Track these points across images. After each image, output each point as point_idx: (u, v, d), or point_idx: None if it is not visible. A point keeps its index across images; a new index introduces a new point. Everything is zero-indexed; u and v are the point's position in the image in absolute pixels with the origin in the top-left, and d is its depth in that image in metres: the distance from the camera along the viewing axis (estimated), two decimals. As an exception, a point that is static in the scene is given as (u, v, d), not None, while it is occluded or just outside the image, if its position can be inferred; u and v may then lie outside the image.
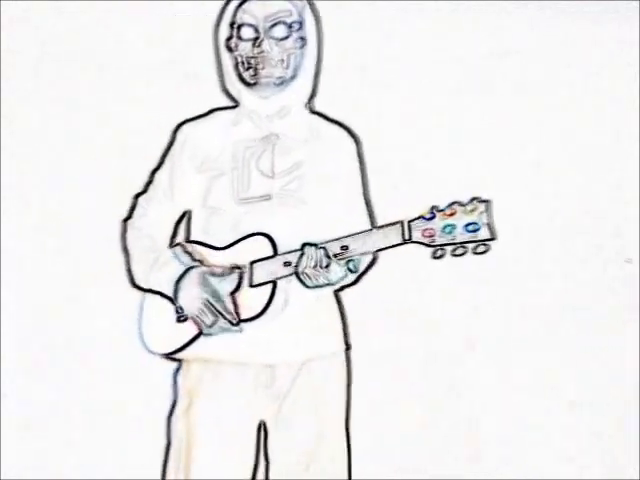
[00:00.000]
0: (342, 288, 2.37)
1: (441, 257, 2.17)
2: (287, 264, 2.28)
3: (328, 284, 2.31)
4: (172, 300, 2.35)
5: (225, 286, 2.32)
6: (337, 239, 2.29)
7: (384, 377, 2.44)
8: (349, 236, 2.29)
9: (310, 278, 2.29)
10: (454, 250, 2.15)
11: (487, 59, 2.59)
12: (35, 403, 2.44)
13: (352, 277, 2.34)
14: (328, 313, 2.38)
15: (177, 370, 2.39)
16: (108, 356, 2.43)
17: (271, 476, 2.36)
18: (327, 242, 2.28)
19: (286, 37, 2.35)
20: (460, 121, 2.52)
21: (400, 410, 2.45)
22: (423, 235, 2.18)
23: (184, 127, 2.41)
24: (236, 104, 2.39)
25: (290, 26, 2.35)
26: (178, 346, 2.35)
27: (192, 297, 2.32)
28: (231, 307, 2.31)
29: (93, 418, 2.44)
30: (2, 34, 2.52)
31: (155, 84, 2.47)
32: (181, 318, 2.35)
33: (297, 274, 2.29)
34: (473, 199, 2.20)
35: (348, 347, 2.39)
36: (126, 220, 2.41)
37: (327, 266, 2.27)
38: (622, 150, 2.60)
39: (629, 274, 2.56)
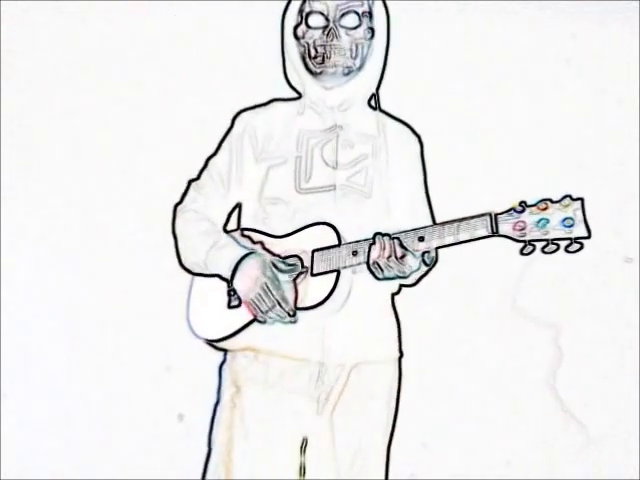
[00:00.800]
0: (401, 288, 2.33)
1: (530, 254, 2.07)
2: (355, 254, 2.21)
3: (400, 276, 2.25)
4: (228, 283, 2.29)
5: (285, 273, 2.26)
6: (414, 229, 2.22)
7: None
8: (427, 227, 2.23)
9: (382, 269, 2.22)
10: (544, 247, 2.05)
11: (484, 60, 2.59)
12: (36, 403, 2.44)
13: (423, 270, 2.29)
14: (385, 317, 2.33)
15: (222, 363, 2.34)
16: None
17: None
18: (402, 232, 2.22)
19: (357, 26, 2.31)
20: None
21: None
22: (514, 229, 2.07)
23: (243, 115, 2.37)
24: (298, 96, 2.36)
25: (361, 16, 2.31)
26: (228, 333, 2.29)
27: (250, 281, 2.26)
28: (290, 295, 2.25)
29: (98, 419, 2.45)
30: (2, 34, 2.52)
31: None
32: (233, 304, 2.29)
33: (368, 264, 2.23)
34: (566, 196, 2.12)
35: (401, 354, 2.35)
36: (178, 204, 2.37)
37: (402, 257, 2.20)
38: (622, 150, 2.60)
39: (629, 274, 2.56)
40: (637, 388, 2.53)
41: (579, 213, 2.07)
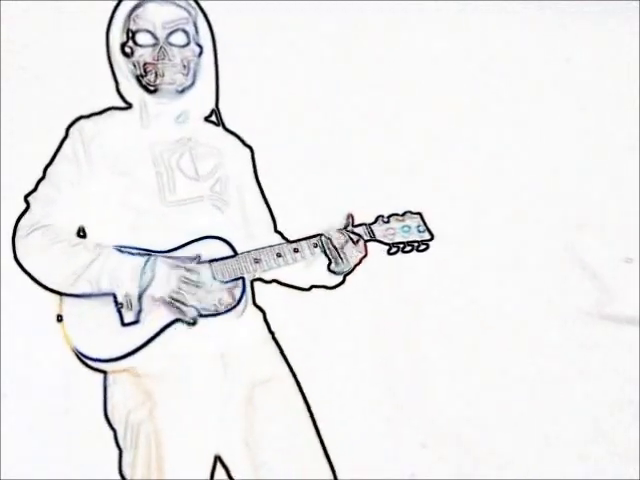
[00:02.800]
0: (334, 287, 2.45)
1: (395, 254, 2.44)
2: (257, 261, 2.33)
3: (349, 270, 2.43)
4: (115, 299, 2.27)
5: (202, 272, 2.31)
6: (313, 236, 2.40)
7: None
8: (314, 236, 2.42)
9: (346, 258, 2.39)
10: (404, 248, 2.46)
11: (485, 60, 2.59)
12: (36, 403, 2.44)
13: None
14: (251, 306, 2.40)
15: (105, 374, 2.33)
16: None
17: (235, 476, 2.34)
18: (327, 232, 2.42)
19: (186, 44, 2.37)
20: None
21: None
22: (386, 235, 2.43)
23: (82, 123, 2.38)
24: (129, 106, 2.39)
25: (188, 33, 2.37)
26: (126, 351, 2.28)
27: (166, 280, 2.28)
28: (224, 295, 2.32)
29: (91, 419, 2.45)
30: (2, 34, 2.52)
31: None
32: (128, 320, 2.25)
33: (329, 257, 2.39)
34: (406, 212, 2.46)
35: (272, 334, 2.40)
36: (17, 222, 2.31)
37: (357, 242, 2.41)
38: (622, 150, 2.60)
39: (629, 274, 2.56)
40: (637, 388, 2.53)
41: (423, 222, 2.46)
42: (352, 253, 2.39)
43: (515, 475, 2.48)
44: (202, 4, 2.42)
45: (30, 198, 2.32)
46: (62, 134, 2.50)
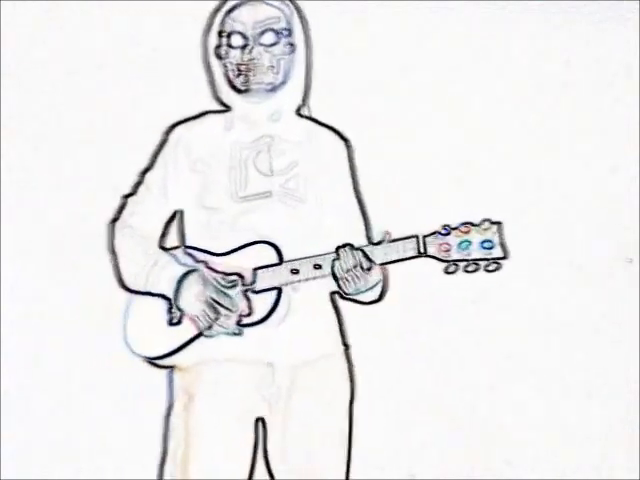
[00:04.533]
0: (371, 302, 2.39)
1: (454, 272, 2.23)
2: (295, 272, 2.30)
3: (367, 289, 2.33)
4: (169, 301, 2.34)
5: (226, 289, 2.33)
6: (359, 247, 2.32)
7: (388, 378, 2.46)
8: (369, 245, 2.34)
9: (350, 281, 2.30)
10: (466, 266, 2.21)
11: (484, 61, 2.59)
12: (35, 403, 2.44)
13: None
14: (325, 314, 2.41)
15: (171, 370, 2.39)
16: (97, 361, 2.44)
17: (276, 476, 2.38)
18: (359, 247, 2.31)
19: (275, 43, 2.38)
20: (456, 124, 2.55)
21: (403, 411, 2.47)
22: (439, 250, 2.24)
23: (176, 128, 2.44)
24: (228, 108, 2.44)
25: (278, 33, 2.39)
26: (170, 349, 2.35)
27: (194, 297, 2.32)
28: (242, 307, 2.32)
29: (90, 422, 2.45)
30: (2, 34, 2.52)
31: (148, 88, 2.50)
32: (173, 321, 2.34)
33: (336, 278, 2.31)
34: (485, 220, 2.26)
35: (347, 347, 2.41)
36: (114, 221, 2.42)
37: (369, 269, 2.29)
38: (622, 150, 2.60)
39: (629, 274, 2.56)
40: (637, 388, 2.53)
41: (497, 236, 2.24)
42: (360, 276, 2.30)
43: (515, 475, 2.48)
44: (298, 2, 2.45)
45: (129, 198, 2.42)
46: (62, 133, 2.51)
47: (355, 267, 2.27)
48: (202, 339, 2.35)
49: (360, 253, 2.28)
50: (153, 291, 2.35)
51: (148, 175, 2.42)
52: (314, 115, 2.45)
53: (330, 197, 2.39)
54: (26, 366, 2.45)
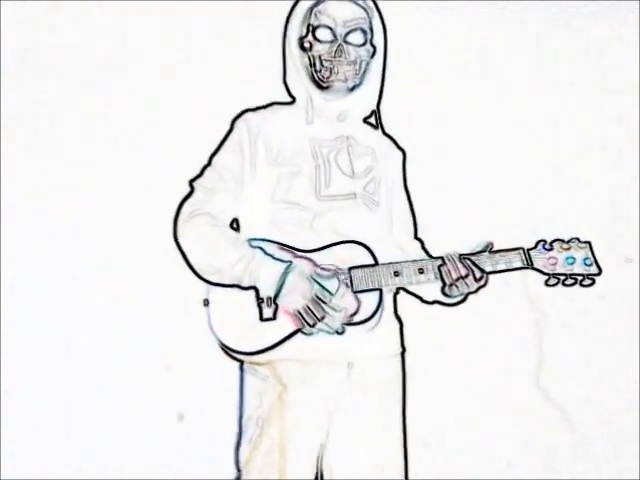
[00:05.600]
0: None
1: (554, 285, 2.34)
2: (397, 274, 2.31)
3: (468, 294, 2.38)
4: (257, 294, 2.30)
5: (334, 286, 2.31)
6: (467, 256, 2.36)
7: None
8: (475, 254, 2.37)
9: (460, 287, 2.33)
10: (565, 280, 2.33)
11: (484, 61, 2.59)
12: (36, 403, 2.44)
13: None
14: (388, 317, 2.41)
15: (241, 367, 2.36)
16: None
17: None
18: (467, 256, 2.36)
19: (362, 44, 2.38)
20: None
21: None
22: (546, 264, 2.33)
23: (249, 116, 2.39)
24: (293, 100, 2.42)
25: (365, 33, 2.38)
26: (267, 345, 2.31)
27: (300, 293, 2.30)
28: (351, 305, 2.30)
29: (90, 422, 2.45)
30: (2, 34, 2.52)
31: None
32: (266, 316, 2.30)
33: (443, 282, 2.33)
34: (574, 238, 2.36)
35: (404, 349, 2.42)
36: (182, 204, 2.35)
37: (480, 278, 2.34)
38: (622, 150, 2.60)
39: (629, 274, 2.56)
40: (637, 388, 2.53)
41: (591, 254, 2.35)
42: (470, 284, 2.34)
43: (515, 475, 2.48)
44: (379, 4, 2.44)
45: (195, 183, 2.36)
46: (63, 133, 2.51)
47: (467, 276, 2.31)
48: (293, 339, 2.32)
49: (469, 262, 2.33)
50: (248, 285, 2.30)
51: (217, 160, 2.38)
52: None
53: (394, 202, 2.42)
54: (26, 366, 2.45)
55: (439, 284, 2.34)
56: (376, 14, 2.41)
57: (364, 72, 2.38)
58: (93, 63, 2.53)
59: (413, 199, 2.46)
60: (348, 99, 2.38)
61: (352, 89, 2.38)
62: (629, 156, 2.60)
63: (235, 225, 2.38)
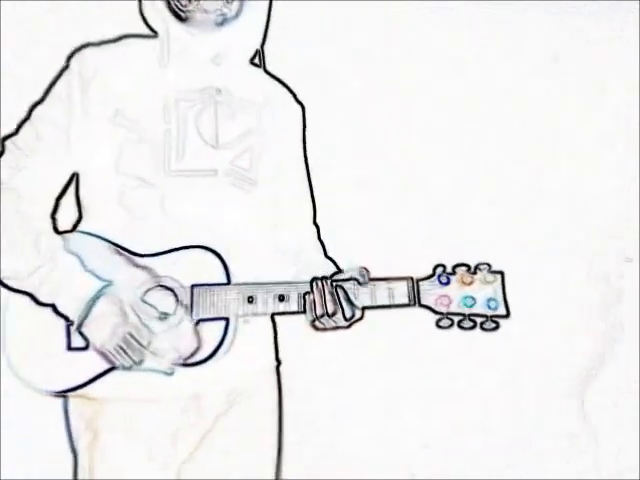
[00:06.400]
0: (348, 327, 1.96)
1: (448, 327, 1.90)
2: (250, 300, 1.79)
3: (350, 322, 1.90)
4: (66, 319, 1.80)
5: (170, 309, 1.79)
6: (339, 283, 1.86)
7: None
8: (350, 281, 1.88)
9: (325, 324, 1.87)
10: (461, 321, 1.88)
11: (483, 61, 2.60)
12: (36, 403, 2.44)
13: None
14: (264, 334, 1.96)
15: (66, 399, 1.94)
16: None
17: None
18: (339, 283, 1.86)
19: None
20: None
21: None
22: (437, 303, 1.86)
23: (86, 53, 1.87)
24: (154, 34, 1.87)
25: None
26: (77, 383, 1.83)
27: (107, 328, 1.77)
28: (188, 341, 1.78)
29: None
30: (2, 34, 2.52)
31: None
32: (75, 345, 1.81)
33: (305, 312, 1.86)
34: (482, 264, 1.89)
35: (279, 363, 2.00)
36: None
37: (351, 318, 1.86)
38: (622, 150, 2.60)
39: (629, 274, 2.56)
40: (637, 388, 2.53)
41: (500, 291, 1.90)
42: (338, 321, 1.86)
43: (515, 475, 2.48)
44: None
45: (8, 142, 1.84)
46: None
47: (334, 314, 1.82)
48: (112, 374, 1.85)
49: (342, 294, 1.83)
50: (46, 301, 1.78)
51: (38, 111, 1.84)
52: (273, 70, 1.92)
53: (283, 178, 1.90)
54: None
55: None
56: None
57: (241, 2, 1.84)
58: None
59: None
60: (221, 36, 1.82)
61: (222, 23, 1.83)
62: (629, 156, 2.60)
63: (76, 188, 1.80)
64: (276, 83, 1.86)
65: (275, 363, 1.97)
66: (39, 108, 1.84)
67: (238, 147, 1.81)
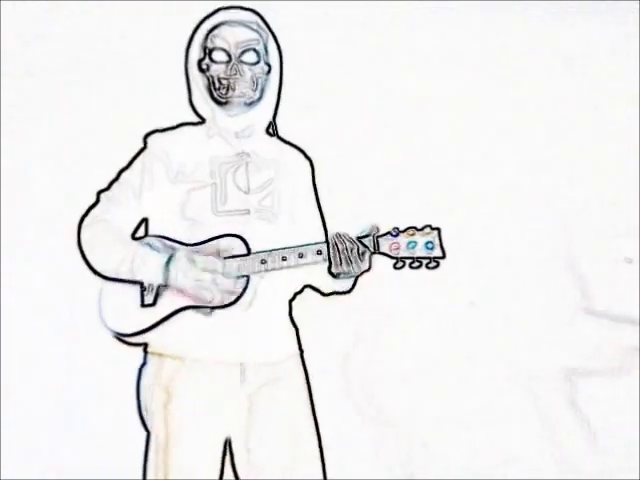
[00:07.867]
0: (340, 293, 2.57)
1: (401, 268, 2.50)
2: (263, 262, 2.48)
3: (354, 275, 2.53)
4: (141, 284, 2.47)
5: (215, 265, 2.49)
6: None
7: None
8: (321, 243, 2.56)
9: (344, 262, 2.50)
10: (412, 263, 2.49)
11: (483, 60, 2.60)
12: (36, 402, 2.44)
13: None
14: (285, 320, 2.55)
15: (143, 365, 2.49)
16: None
17: None
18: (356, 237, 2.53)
19: (256, 62, 2.58)
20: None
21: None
22: (390, 248, 2.49)
23: (156, 136, 2.58)
24: (202, 120, 2.60)
25: (258, 53, 2.59)
26: (144, 327, 2.47)
27: (188, 270, 2.47)
28: (239, 286, 2.47)
29: (90, 422, 2.45)
30: (2, 34, 2.52)
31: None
32: (147, 302, 2.47)
33: (331, 260, 2.49)
34: (425, 226, 2.51)
35: (302, 351, 2.55)
36: (85, 214, 2.52)
37: (363, 254, 2.51)
38: (622, 150, 2.60)
39: (629, 274, 2.56)
40: (637, 388, 2.53)
41: (437, 239, 2.50)
42: (357, 262, 2.49)
43: (515, 475, 2.48)
44: (273, 27, 2.63)
45: (102, 194, 2.54)
46: (62, 132, 2.51)
47: (352, 250, 2.48)
48: (174, 324, 2.46)
49: (356, 239, 2.50)
50: (137, 278, 2.48)
51: (124, 175, 2.55)
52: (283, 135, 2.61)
53: (301, 211, 2.58)
54: (26, 366, 2.45)
55: (327, 277, 2.50)
56: (271, 37, 2.62)
57: (262, 89, 2.59)
58: (93, 63, 2.54)
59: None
60: (249, 114, 2.58)
61: (250, 104, 2.57)
62: (629, 156, 2.60)
63: (145, 228, 2.55)
64: (288, 146, 2.62)
65: (299, 351, 2.54)
66: (124, 173, 2.55)
67: (263, 192, 2.55)
